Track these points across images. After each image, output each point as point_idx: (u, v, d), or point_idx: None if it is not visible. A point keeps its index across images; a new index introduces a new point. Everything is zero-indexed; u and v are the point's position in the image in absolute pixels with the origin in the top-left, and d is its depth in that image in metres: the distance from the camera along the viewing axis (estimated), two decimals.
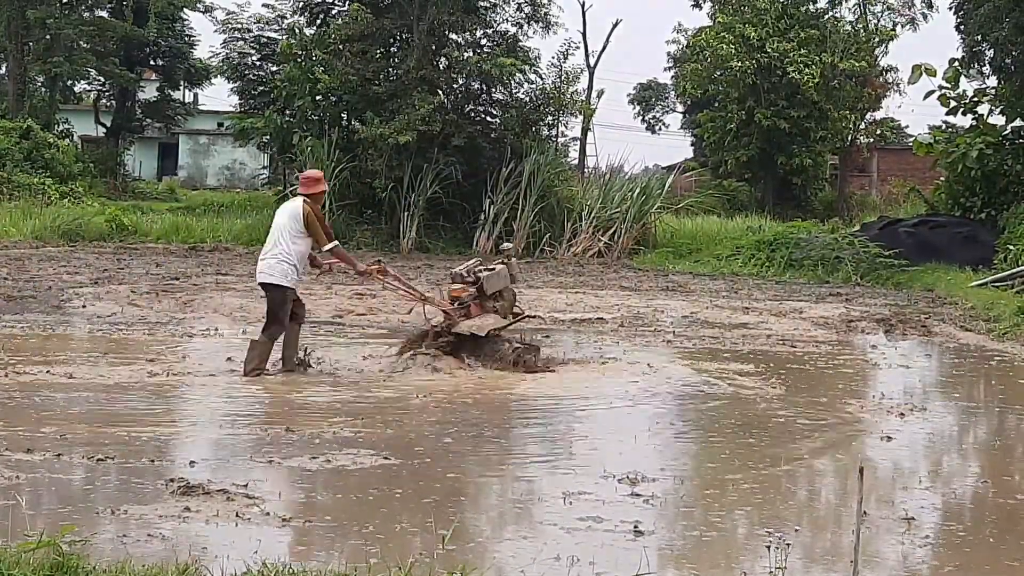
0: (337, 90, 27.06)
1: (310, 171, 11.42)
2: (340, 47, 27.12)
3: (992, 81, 26.33)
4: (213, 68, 35.73)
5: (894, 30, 40.06)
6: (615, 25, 48.89)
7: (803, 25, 37.43)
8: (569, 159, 33.46)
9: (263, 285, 10.50)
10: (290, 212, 10.46)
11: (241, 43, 30.88)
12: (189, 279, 18.38)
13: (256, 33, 30.71)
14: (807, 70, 35.95)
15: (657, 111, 64.67)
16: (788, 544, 5.74)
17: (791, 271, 23.20)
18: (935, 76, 25.43)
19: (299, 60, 27.63)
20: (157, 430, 7.99)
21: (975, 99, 25.83)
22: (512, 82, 27.91)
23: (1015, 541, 6.28)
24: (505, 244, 13.24)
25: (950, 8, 26.99)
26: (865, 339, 14.17)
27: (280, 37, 29.82)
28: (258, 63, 31.08)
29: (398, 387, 9.90)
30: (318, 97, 27.58)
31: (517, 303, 11.38)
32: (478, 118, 28.43)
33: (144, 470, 6.92)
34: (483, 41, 28.64)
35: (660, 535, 6.06)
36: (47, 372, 10.03)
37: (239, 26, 30.98)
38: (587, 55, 45.54)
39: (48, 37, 39.65)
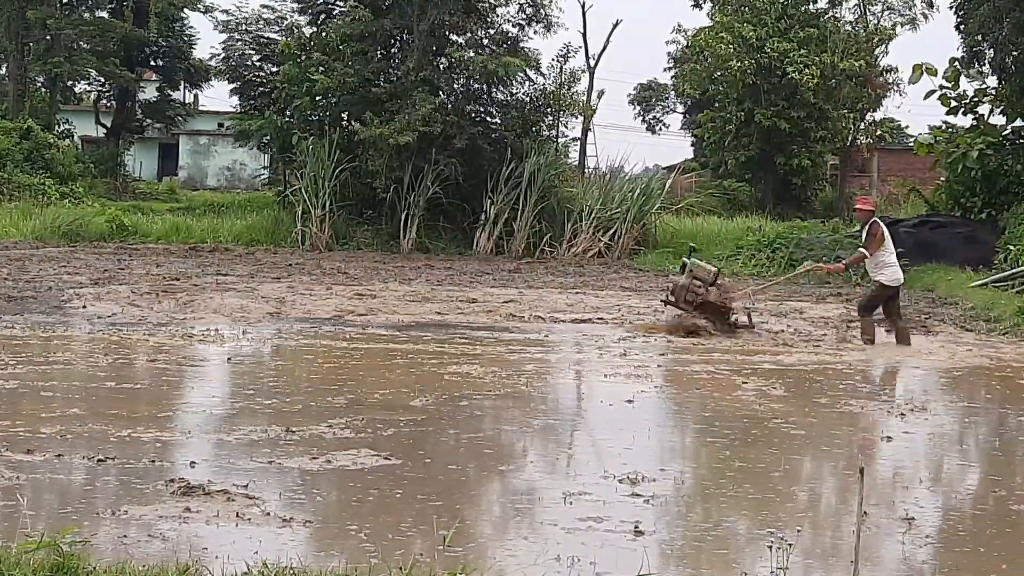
0: (336, 91, 27.06)
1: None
2: (340, 47, 27.11)
3: (992, 81, 26.31)
4: (212, 68, 35.75)
5: (894, 30, 40.06)
6: (615, 25, 48.58)
7: (803, 25, 37.43)
8: (569, 159, 33.46)
9: None
10: None
11: (241, 43, 30.87)
12: (189, 279, 18.38)
13: (255, 33, 30.69)
14: (807, 70, 35.94)
15: (657, 111, 64.66)
16: (789, 544, 5.74)
17: (792, 271, 23.17)
18: (936, 75, 25.43)
19: (298, 60, 27.62)
20: (157, 430, 7.99)
21: (975, 99, 25.81)
22: (514, 82, 27.90)
23: (1015, 541, 6.28)
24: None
25: (950, 8, 26.99)
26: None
27: (280, 38, 29.82)
28: (258, 63, 31.07)
29: None
30: (317, 98, 27.57)
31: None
32: (479, 118, 28.42)
33: (144, 470, 6.92)
34: (484, 42, 28.62)
35: (660, 535, 6.06)
36: (48, 372, 10.03)
37: (239, 27, 30.97)
38: (587, 55, 45.51)
39: (48, 37, 39.65)
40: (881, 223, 13.95)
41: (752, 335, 13.80)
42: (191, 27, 47.50)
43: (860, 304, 14.09)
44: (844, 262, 14.78)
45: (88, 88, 48.61)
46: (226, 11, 32.93)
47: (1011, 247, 21.43)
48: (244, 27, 30.89)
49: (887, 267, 13.63)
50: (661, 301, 14.92)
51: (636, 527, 6.04)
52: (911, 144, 35.02)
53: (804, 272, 17.62)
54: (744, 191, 41.65)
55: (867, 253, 13.63)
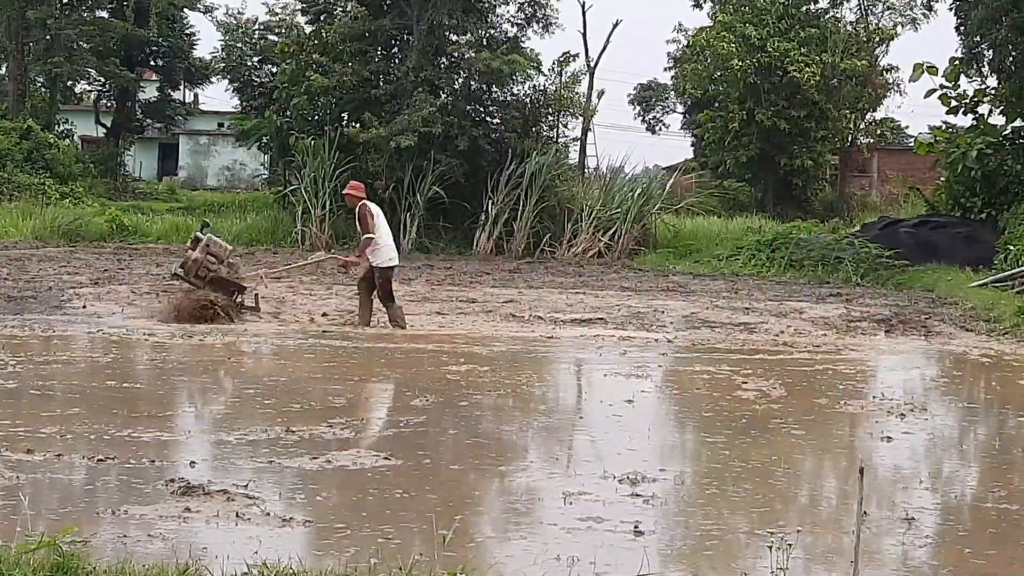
0: (334, 91, 27.03)
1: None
2: (339, 47, 27.10)
3: (992, 81, 26.32)
4: (211, 65, 35.74)
5: (894, 30, 40.03)
6: (615, 25, 48.45)
7: (804, 25, 37.40)
8: (569, 159, 33.45)
9: None
10: None
11: (242, 44, 30.88)
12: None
13: (257, 34, 30.69)
14: (807, 69, 35.92)
15: (657, 111, 64.60)
16: (789, 544, 5.73)
17: (791, 271, 23.19)
18: (936, 74, 25.45)
19: (298, 60, 27.58)
20: (157, 430, 7.99)
21: (975, 99, 25.83)
22: (514, 82, 27.87)
23: (1015, 541, 6.28)
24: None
25: (949, 9, 26.99)
26: (865, 339, 14.16)
27: (280, 40, 29.79)
28: (258, 64, 31.08)
29: None
30: (316, 98, 27.54)
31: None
32: (479, 118, 28.42)
33: (144, 470, 6.92)
34: (484, 41, 28.60)
35: (660, 535, 6.06)
36: (48, 372, 10.03)
37: (239, 29, 30.99)
38: (587, 55, 45.47)
39: (48, 37, 39.62)
40: (370, 204, 13.89)
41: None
42: (191, 27, 47.56)
43: (380, 297, 13.73)
44: (356, 253, 14.16)
45: (88, 88, 48.61)
46: (228, 11, 32.89)
47: (1011, 247, 21.42)
48: (244, 29, 30.90)
49: (379, 249, 13.63)
50: (171, 275, 14.80)
51: (636, 527, 6.04)
52: (911, 144, 34.98)
53: (317, 261, 16.99)
54: (744, 191, 41.60)
55: (373, 236, 13.53)
